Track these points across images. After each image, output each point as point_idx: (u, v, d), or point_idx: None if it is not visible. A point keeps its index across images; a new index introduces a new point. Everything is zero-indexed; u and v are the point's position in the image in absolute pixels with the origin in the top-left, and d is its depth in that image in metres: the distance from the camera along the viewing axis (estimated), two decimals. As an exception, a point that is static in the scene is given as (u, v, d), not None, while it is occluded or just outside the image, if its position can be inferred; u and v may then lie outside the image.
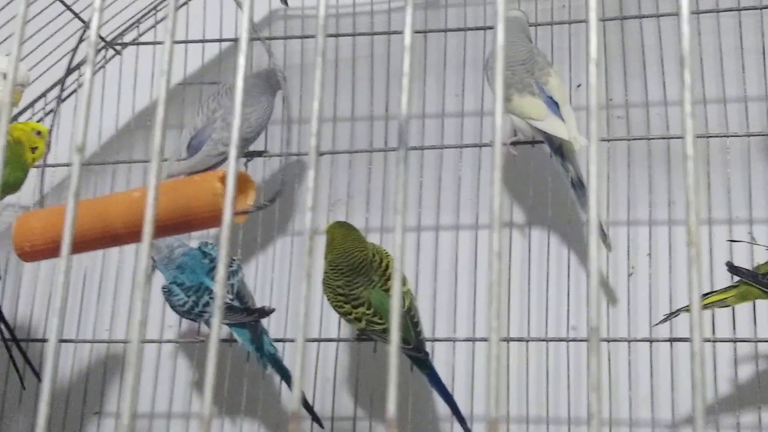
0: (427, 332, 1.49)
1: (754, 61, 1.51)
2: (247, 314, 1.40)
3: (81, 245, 0.81)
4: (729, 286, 1.28)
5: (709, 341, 1.37)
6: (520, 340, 1.47)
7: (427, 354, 1.36)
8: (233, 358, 1.45)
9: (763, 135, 1.48)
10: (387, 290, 1.35)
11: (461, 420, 1.38)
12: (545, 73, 1.46)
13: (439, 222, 1.58)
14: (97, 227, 0.79)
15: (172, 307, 1.45)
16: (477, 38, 1.63)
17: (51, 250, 0.85)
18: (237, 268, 1.45)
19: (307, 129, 1.68)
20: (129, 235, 0.80)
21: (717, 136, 1.47)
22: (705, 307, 1.28)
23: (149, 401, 1.60)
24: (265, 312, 1.40)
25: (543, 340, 1.46)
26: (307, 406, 1.45)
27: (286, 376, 1.45)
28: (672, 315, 1.31)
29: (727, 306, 1.28)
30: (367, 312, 1.34)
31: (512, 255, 1.55)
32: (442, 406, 1.47)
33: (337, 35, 1.67)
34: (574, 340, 1.45)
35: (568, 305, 1.46)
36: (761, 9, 1.51)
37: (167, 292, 1.44)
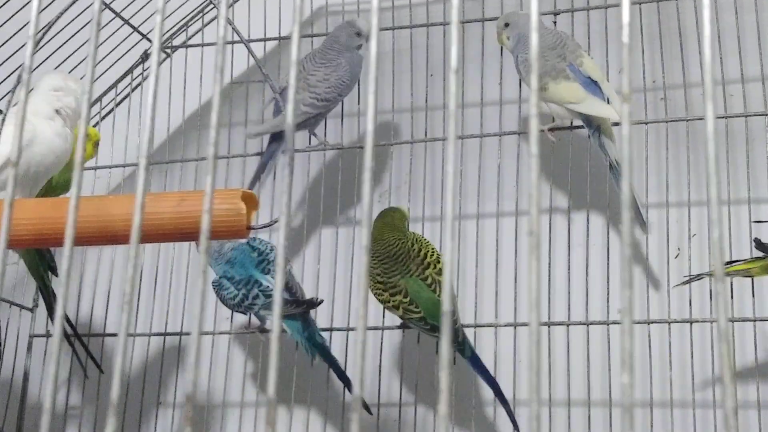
0: (470, 319, 1.52)
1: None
2: (296, 306, 1.44)
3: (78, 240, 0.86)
4: (755, 257, 1.29)
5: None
6: (561, 324, 1.48)
7: (462, 342, 1.38)
8: (283, 349, 1.49)
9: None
10: (424, 279, 1.37)
11: (505, 403, 1.40)
12: (578, 54, 1.46)
13: (479, 210, 1.60)
14: (93, 226, 0.84)
15: (223, 300, 1.50)
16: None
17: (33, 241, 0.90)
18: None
19: (349, 122, 1.72)
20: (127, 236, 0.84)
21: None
22: (728, 274, 1.30)
23: (205, 391, 1.65)
24: (314, 303, 1.44)
25: (584, 324, 1.47)
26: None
27: (334, 365, 1.49)
28: (694, 278, 1.33)
29: (750, 276, 1.30)
30: (404, 300, 1.37)
31: (555, 240, 1.56)
32: (486, 391, 1.49)
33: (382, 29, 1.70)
34: (615, 323, 1.45)
35: (608, 289, 1.47)
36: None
37: (218, 286, 1.49)
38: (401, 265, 1.39)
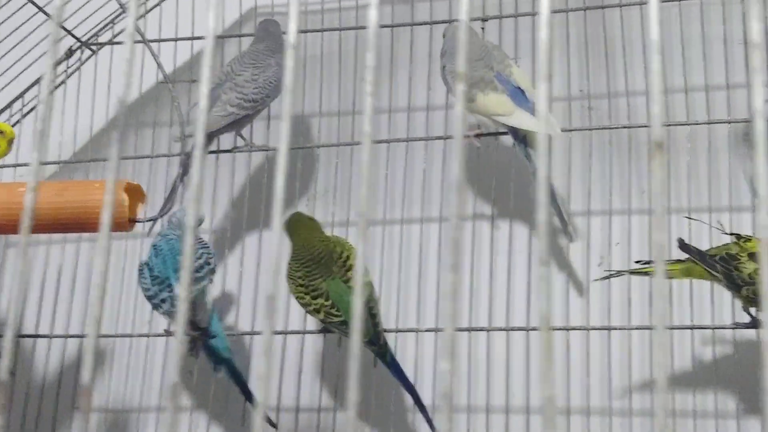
0: (392, 323, 1.51)
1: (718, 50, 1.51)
2: (192, 329, 1.37)
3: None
4: (677, 260, 1.31)
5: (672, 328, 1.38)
6: (481, 329, 1.47)
7: (383, 346, 1.37)
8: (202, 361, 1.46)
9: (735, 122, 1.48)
10: (346, 282, 1.36)
11: (423, 410, 1.39)
12: (506, 64, 1.46)
13: (404, 214, 1.59)
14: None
15: (141, 286, 1.43)
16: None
17: None
18: (204, 275, 1.40)
19: (276, 125, 1.70)
20: (6, 226, 0.82)
21: (683, 125, 1.48)
22: (646, 273, 1.33)
23: (122, 396, 1.62)
24: (208, 335, 1.37)
25: (504, 330, 1.46)
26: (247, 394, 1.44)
27: (240, 382, 1.43)
28: (612, 275, 1.35)
29: (670, 278, 1.31)
30: (326, 303, 1.35)
31: (478, 247, 1.55)
32: (407, 397, 1.48)
33: (305, 31, 1.68)
34: (535, 329, 1.45)
35: (530, 295, 1.47)
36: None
37: (140, 272, 1.42)
38: (323, 268, 1.37)
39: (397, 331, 1.49)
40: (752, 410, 1.37)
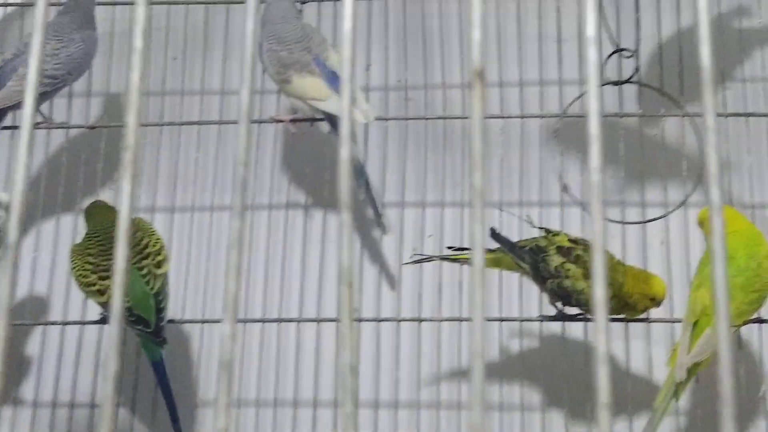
0: (198, 314, 1.45)
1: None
2: None
3: None
4: (487, 249, 1.31)
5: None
6: (291, 320, 1.43)
7: (164, 340, 1.30)
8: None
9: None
10: (140, 269, 1.29)
11: (173, 414, 1.32)
12: (324, 48, 1.43)
13: (214, 201, 1.53)
14: None
15: None
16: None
17: None
18: None
19: (80, 102, 1.60)
20: None
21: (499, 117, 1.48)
22: (455, 260, 1.34)
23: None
24: None
25: (315, 321, 1.43)
26: None
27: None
28: (423, 260, 1.35)
29: None
30: None
31: (292, 236, 1.51)
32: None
33: (114, 3, 1.59)
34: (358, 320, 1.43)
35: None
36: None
37: None
38: (118, 250, 1.30)
39: (204, 322, 1.43)
40: (556, 403, 1.40)
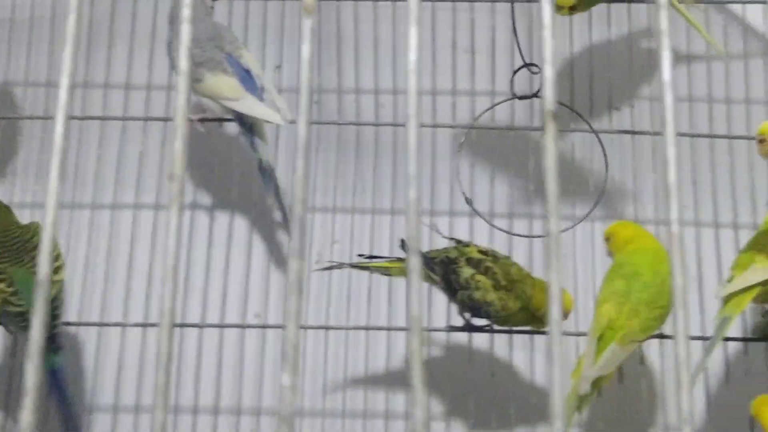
0: (95, 317, 1.40)
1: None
2: None
3: None
4: (397, 258, 1.31)
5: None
6: (195, 326, 1.39)
7: (59, 348, 1.24)
8: None
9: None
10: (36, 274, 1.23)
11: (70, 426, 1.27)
12: (237, 46, 1.40)
13: (116, 199, 1.48)
14: None
15: None
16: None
17: None
18: None
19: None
20: None
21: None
22: (365, 267, 1.32)
23: None
24: None
25: (219, 326, 1.40)
26: None
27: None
28: (334, 266, 1.33)
29: (389, 275, 1.32)
30: (6, 289, 1.23)
31: (197, 237, 1.47)
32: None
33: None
34: (251, 326, 1.40)
35: (248, 291, 1.42)
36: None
37: None
38: (14, 254, 1.25)
39: (101, 325, 1.38)
40: (460, 413, 1.40)
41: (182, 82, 0.45)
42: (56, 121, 0.48)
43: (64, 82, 0.46)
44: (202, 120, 1.42)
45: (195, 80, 1.36)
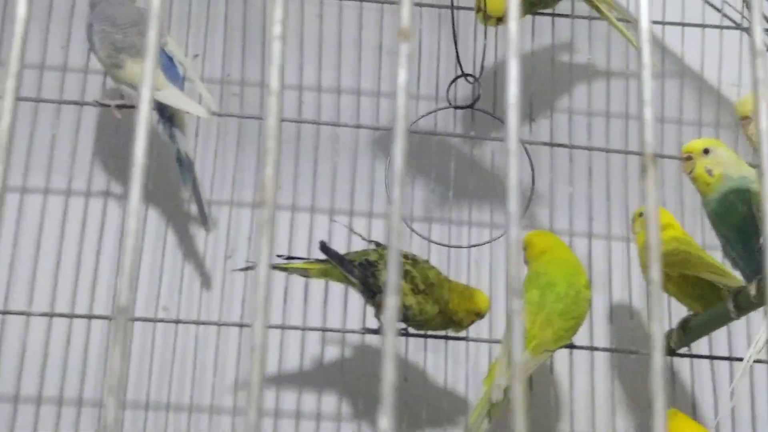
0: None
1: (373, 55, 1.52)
2: None
3: None
4: (316, 260, 1.29)
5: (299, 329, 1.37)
6: (105, 317, 1.36)
7: None
8: None
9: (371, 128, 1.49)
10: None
11: None
12: (161, 34, 1.36)
13: (48, 185, 1.43)
14: None
15: None
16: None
17: None
18: None
19: None
20: None
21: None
22: (284, 268, 1.29)
23: None
24: None
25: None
26: None
27: None
28: (251, 266, 1.31)
29: (307, 277, 1.31)
30: None
31: (108, 227, 1.43)
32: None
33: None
34: (162, 320, 1.37)
35: (160, 284, 1.39)
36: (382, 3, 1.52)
37: None
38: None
39: (5, 313, 1.33)
40: (369, 415, 1.39)
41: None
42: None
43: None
44: (119, 107, 1.37)
45: (115, 66, 1.32)
